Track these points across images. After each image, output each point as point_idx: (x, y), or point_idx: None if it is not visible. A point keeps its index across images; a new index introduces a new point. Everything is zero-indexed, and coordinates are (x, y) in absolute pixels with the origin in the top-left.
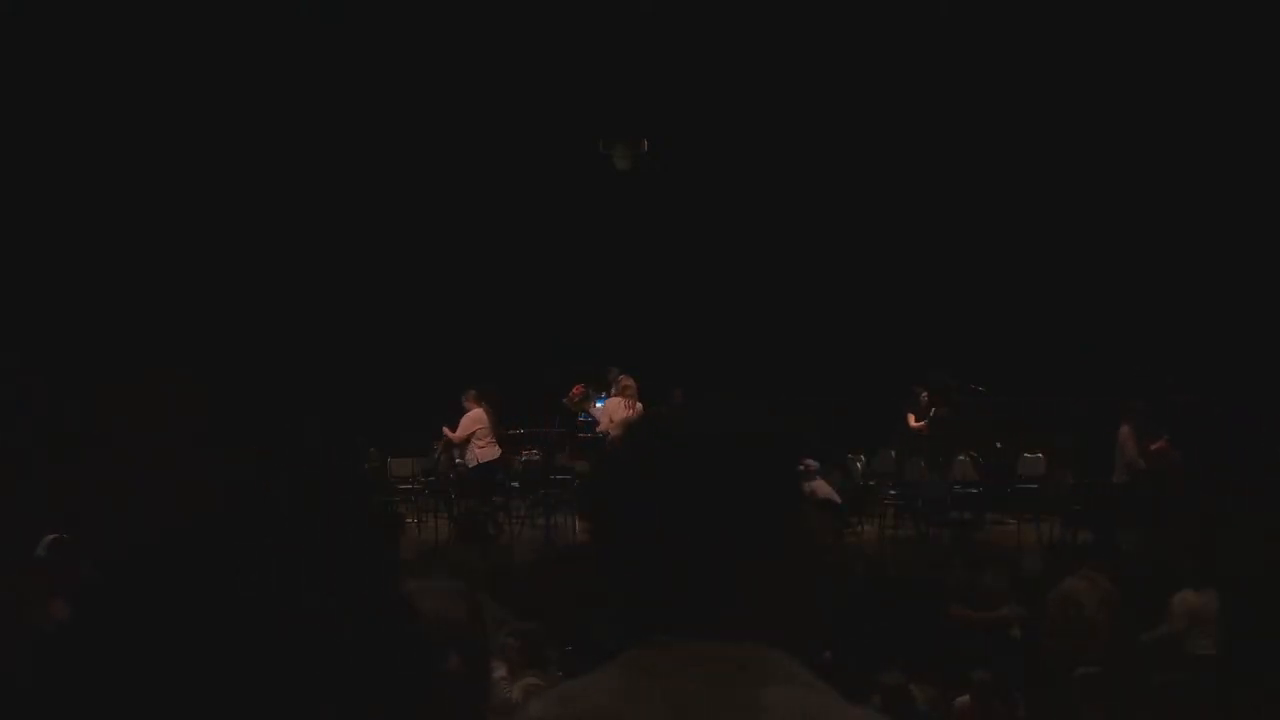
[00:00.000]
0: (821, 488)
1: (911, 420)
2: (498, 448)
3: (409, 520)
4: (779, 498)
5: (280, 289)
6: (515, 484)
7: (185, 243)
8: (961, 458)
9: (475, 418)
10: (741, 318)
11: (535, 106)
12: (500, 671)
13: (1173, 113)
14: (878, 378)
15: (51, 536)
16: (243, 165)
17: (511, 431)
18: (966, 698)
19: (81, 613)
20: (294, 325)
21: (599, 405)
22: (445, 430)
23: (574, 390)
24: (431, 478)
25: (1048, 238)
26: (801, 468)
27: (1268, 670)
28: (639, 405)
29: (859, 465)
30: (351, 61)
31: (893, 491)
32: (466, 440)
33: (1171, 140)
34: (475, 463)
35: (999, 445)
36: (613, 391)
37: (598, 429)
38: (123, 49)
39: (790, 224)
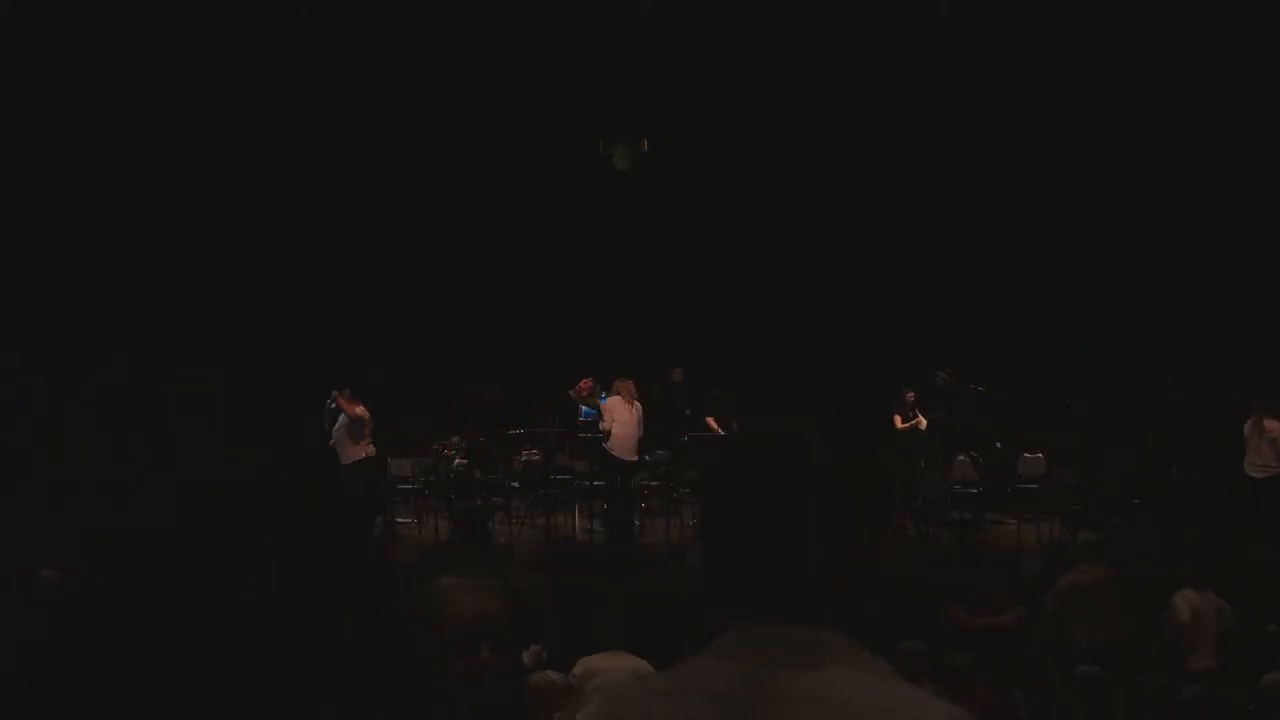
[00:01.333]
0: None
1: (898, 421)
2: (374, 448)
3: (409, 520)
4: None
5: (281, 289)
6: (515, 484)
7: (185, 242)
8: (961, 458)
9: (363, 412)
10: (741, 317)
11: (535, 106)
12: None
13: (1172, 113)
14: (877, 378)
15: None
16: (243, 164)
17: (511, 431)
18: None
19: (80, 610)
20: (294, 325)
21: (603, 403)
22: (339, 394)
23: (582, 384)
24: (432, 478)
25: (1048, 238)
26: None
27: (1267, 671)
28: (638, 405)
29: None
30: (352, 61)
31: None
32: (345, 437)
33: (1171, 140)
34: (351, 460)
35: (999, 445)
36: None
37: (601, 427)
38: (126, 47)
39: (790, 224)
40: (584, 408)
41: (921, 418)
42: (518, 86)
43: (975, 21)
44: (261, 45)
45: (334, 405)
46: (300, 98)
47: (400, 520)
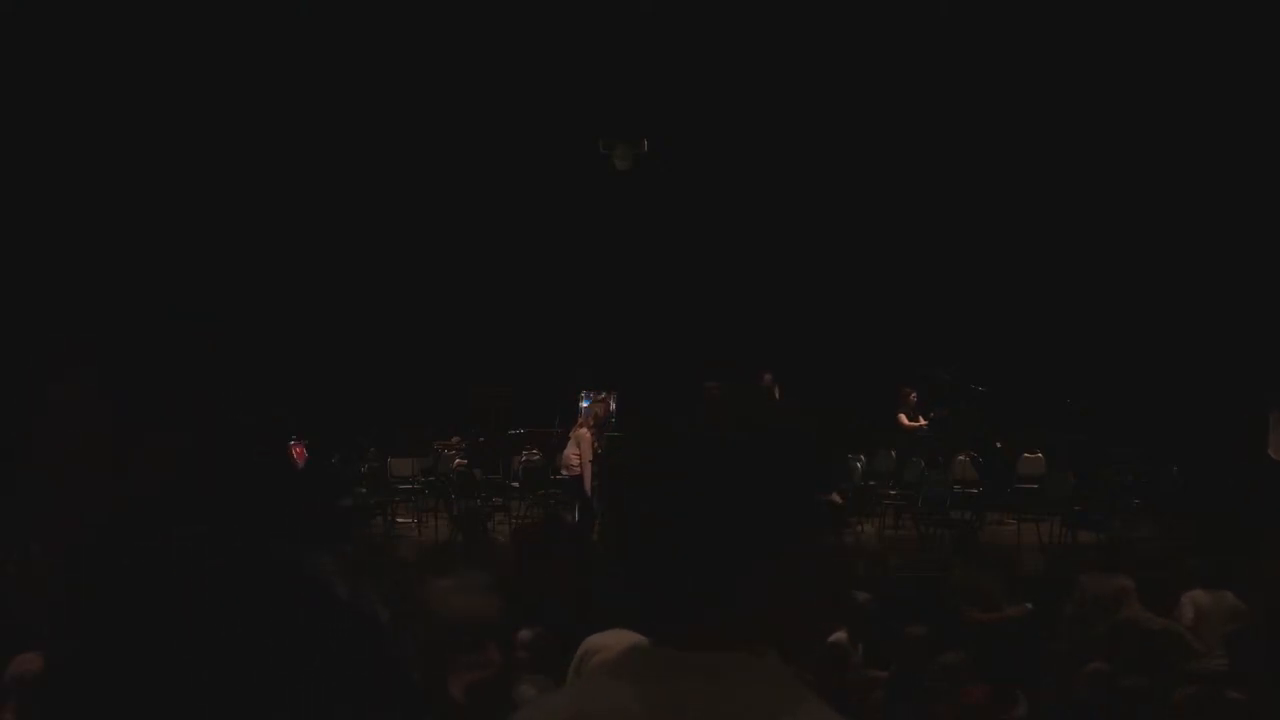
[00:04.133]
0: None
1: (904, 420)
2: None
3: (409, 520)
4: (799, 501)
5: (281, 290)
6: (515, 484)
7: (185, 244)
8: (961, 458)
9: None
10: (741, 317)
11: (535, 106)
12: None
13: (1170, 114)
14: (878, 377)
15: None
16: (243, 165)
17: (511, 431)
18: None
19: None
20: (295, 326)
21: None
22: None
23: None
24: (431, 478)
25: (1049, 238)
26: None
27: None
28: (583, 431)
29: (859, 465)
30: (356, 61)
31: (893, 491)
32: None
33: (1171, 140)
34: None
35: (999, 445)
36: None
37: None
38: (109, 45)
39: (790, 224)
40: (585, 404)
41: (921, 418)
42: (518, 86)
43: (975, 21)
44: (262, 43)
45: None
46: (303, 98)
47: (400, 520)
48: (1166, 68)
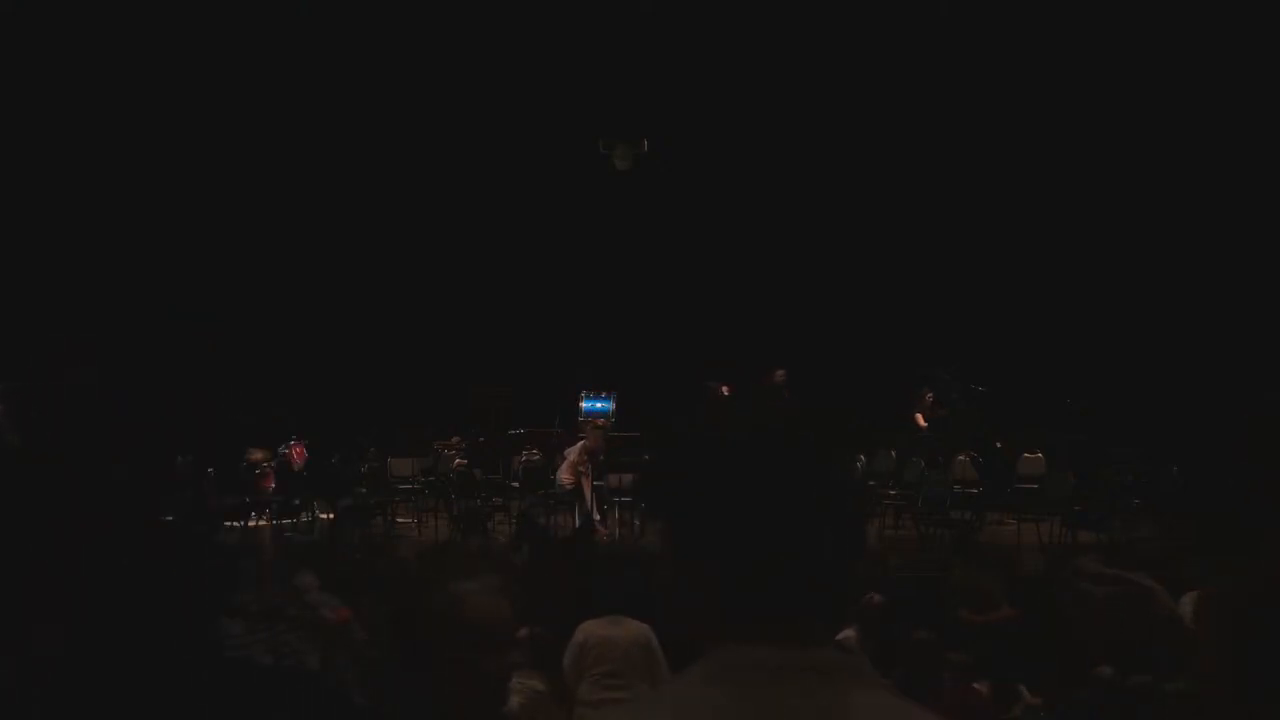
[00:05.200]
0: None
1: (920, 420)
2: None
3: (409, 520)
4: (798, 501)
5: (281, 290)
6: (515, 484)
7: (185, 244)
8: (961, 458)
9: None
10: (741, 318)
11: (535, 106)
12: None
13: (1170, 114)
14: (877, 378)
15: None
16: (243, 166)
17: (511, 431)
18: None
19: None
20: (295, 326)
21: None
22: None
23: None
24: (431, 478)
25: (1049, 239)
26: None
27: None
28: (582, 470)
29: (859, 465)
30: (357, 61)
31: (893, 491)
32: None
33: (1169, 141)
34: None
35: (999, 445)
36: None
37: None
38: (110, 45)
39: (790, 225)
40: (585, 404)
41: (919, 417)
42: (518, 86)
43: (975, 21)
44: (263, 45)
45: None
46: (303, 99)
47: (400, 520)
48: (1166, 68)
